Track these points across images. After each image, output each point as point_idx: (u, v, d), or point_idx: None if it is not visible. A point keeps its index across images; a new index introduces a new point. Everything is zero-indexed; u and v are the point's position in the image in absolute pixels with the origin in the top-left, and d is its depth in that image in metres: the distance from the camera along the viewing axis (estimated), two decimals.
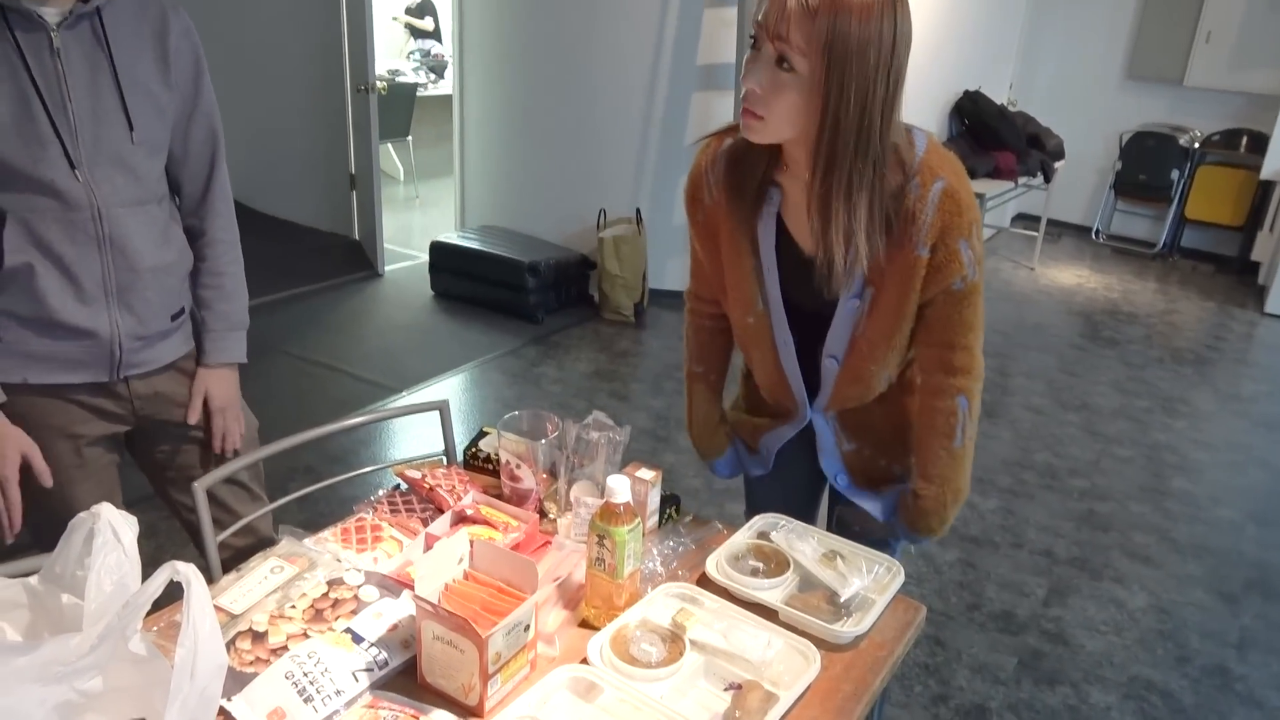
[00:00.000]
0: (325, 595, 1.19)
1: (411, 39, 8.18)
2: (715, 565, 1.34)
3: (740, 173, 1.33)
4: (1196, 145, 6.49)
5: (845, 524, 1.62)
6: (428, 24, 8.06)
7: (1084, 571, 2.79)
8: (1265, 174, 5.87)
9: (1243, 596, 2.73)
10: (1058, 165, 5.85)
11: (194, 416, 1.59)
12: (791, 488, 1.69)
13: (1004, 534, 2.96)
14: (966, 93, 5.71)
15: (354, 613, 1.17)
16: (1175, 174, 6.50)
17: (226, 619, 1.17)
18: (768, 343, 1.45)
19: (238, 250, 1.62)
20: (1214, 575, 2.83)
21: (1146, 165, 6.61)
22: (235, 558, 1.48)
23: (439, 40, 8.10)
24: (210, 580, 1.31)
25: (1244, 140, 6.39)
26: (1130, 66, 6.79)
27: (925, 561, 2.76)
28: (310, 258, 5.30)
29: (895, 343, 1.36)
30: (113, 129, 1.34)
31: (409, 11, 8.11)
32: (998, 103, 5.81)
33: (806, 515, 1.70)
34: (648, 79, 4.61)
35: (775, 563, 1.35)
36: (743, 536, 1.43)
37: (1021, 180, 5.53)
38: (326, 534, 1.37)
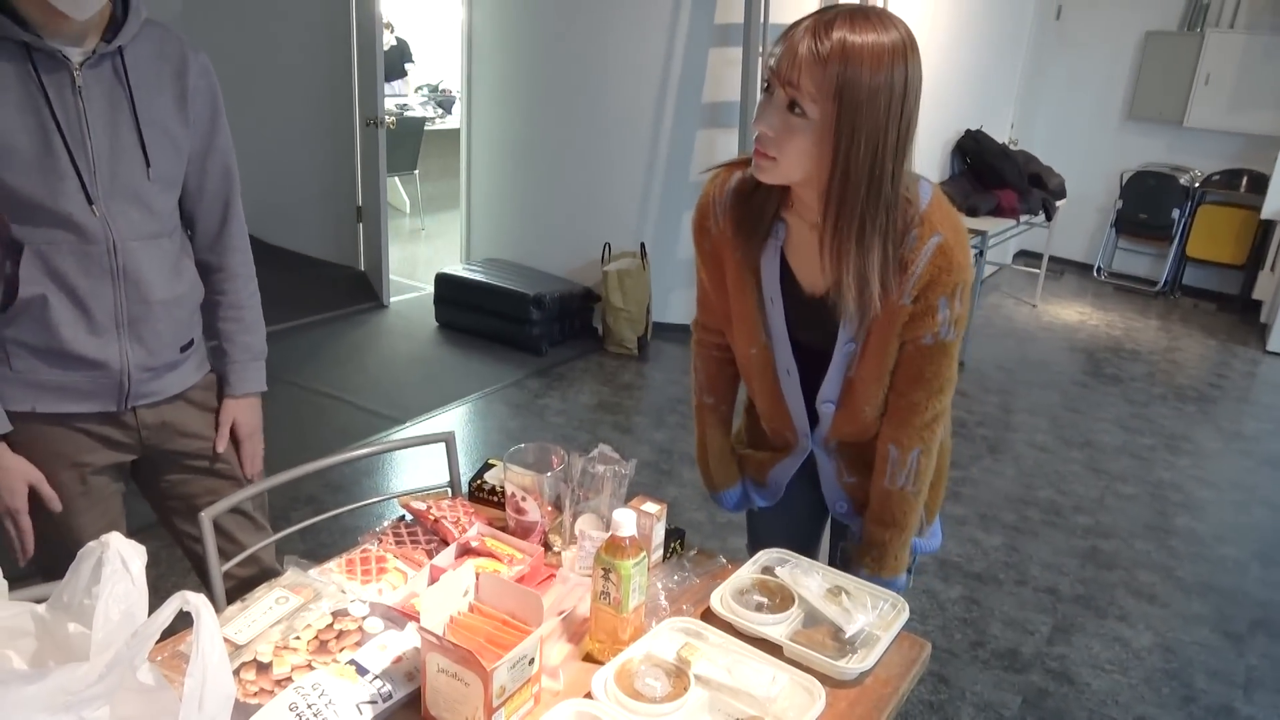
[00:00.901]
0: (330, 626, 1.19)
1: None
2: (720, 600, 1.34)
3: (748, 206, 1.35)
4: (1197, 185, 6.54)
5: (848, 558, 1.62)
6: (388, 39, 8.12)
7: (1089, 609, 2.77)
8: (1266, 213, 5.91)
9: (1248, 636, 2.71)
10: (1059, 204, 5.89)
11: (222, 445, 1.63)
12: (794, 521, 1.70)
13: (1008, 570, 2.95)
14: (968, 131, 5.78)
15: (359, 644, 1.17)
16: (1176, 213, 6.54)
17: (231, 649, 1.16)
18: (770, 375, 1.47)
19: (255, 283, 1.66)
20: (1219, 614, 2.81)
21: (1147, 204, 6.66)
22: (239, 588, 1.48)
23: (408, 58, 8.18)
24: (215, 610, 1.32)
25: (1244, 180, 6.44)
26: (1131, 107, 6.86)
27: (929, 598, 2.75)
28: (316, 289, 5.34)
29: (884, 384, 1.38)
30: (130, 165, 1.37)
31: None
32: (999, 141, 5.86)
33: (808, 548, 1.70)
34: (653, 115, 4.67)
35: (780, 598, 1.35)
36: (747, 571, 1.43)
37: (1023, 218, 5.57)
38: (331, 565, 1.37)
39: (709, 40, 4.53)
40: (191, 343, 1.56)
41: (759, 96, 1.23)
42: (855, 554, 1.53)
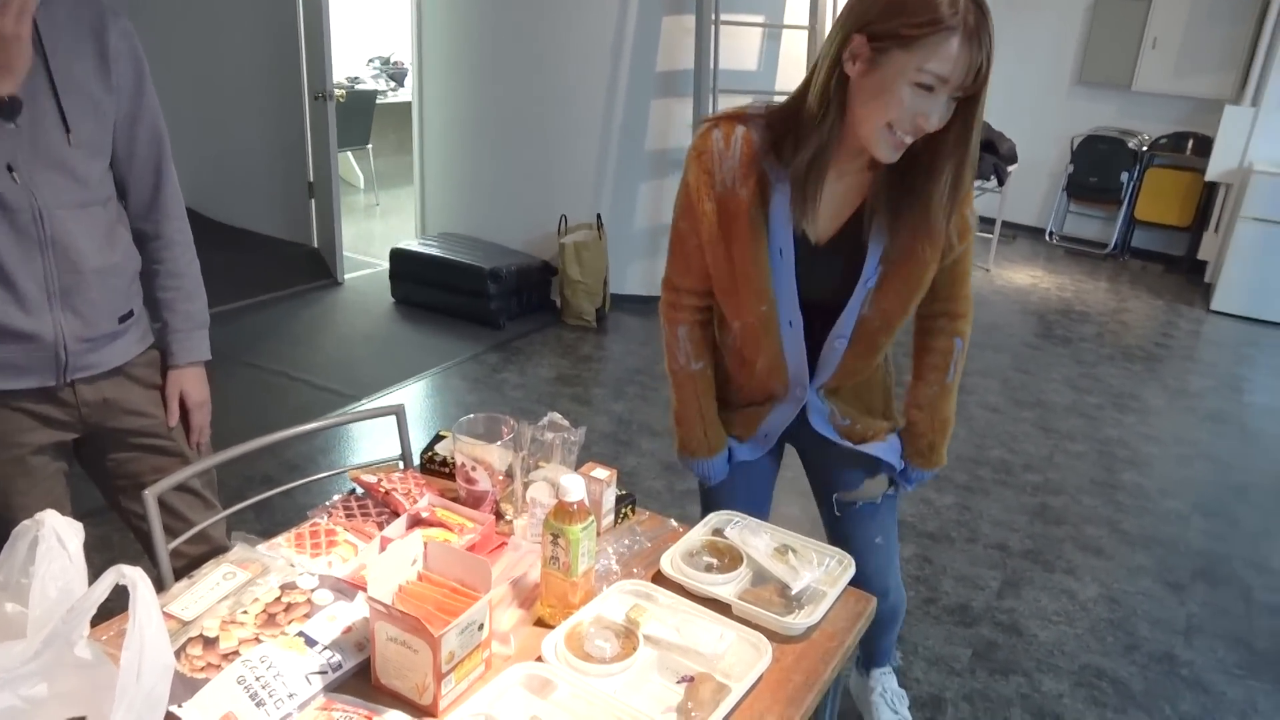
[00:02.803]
0: (278, 600, 1.19)
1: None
2: (670, 562, 1.36)
3: (780, 159, 1.34)
4: (1145, 148, 6.65)
5: (845, 505, 1.70)
6: None
7: (1037, 564, 2.85)
8: (1210, 176, 6.03)
9: (1189, 585, 2.80)
10: (1011, 169, 5.96)
11: (174, 419, 1.62)
12: (750, 484, 1.74)
13: (960, 529, 3.02)
14: None
15: (307, 616, 1.17)
16: (1125, 176, 6.65)
17: (178, 626, 1.16)
18: (774, 330, 1.47)
19: (193, 251, 1.64)
20: (1162, 565, 2.90)
21: (1097, 168, 6.76)
22: (189, 566, 1.47)
23: None
24: (161, 588, 1.31)
25: (1190, 143, 6.56)
26: (1080, 72, 6.94)
27: None
28: (268, 267, 5.25)
29: (910, 311, 1.47)
30: (49, 131, 1.33)
31: None
32: None
33: (763, 510, 1.76)
34: (607, 85, 4.64)
35: (729, 558, 1.38)
36: (697, 533, 1.45)
37: (976, 184, 5.62)
38: (280, 540, 1.36)
39: (662, 8, 4.50)
40: (131, 313, 1.53)
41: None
42: (909, 454, 1.61)
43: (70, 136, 1.35)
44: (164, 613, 1.18)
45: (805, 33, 4.47)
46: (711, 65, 4.19)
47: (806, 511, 2.49)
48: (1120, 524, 3.12)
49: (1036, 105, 7.07)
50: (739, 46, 4.55)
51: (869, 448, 1.60)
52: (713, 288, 1.51)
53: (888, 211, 1.35)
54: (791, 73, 4.62)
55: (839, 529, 1.74)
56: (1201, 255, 6.35)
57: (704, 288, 1.53)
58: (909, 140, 1.25)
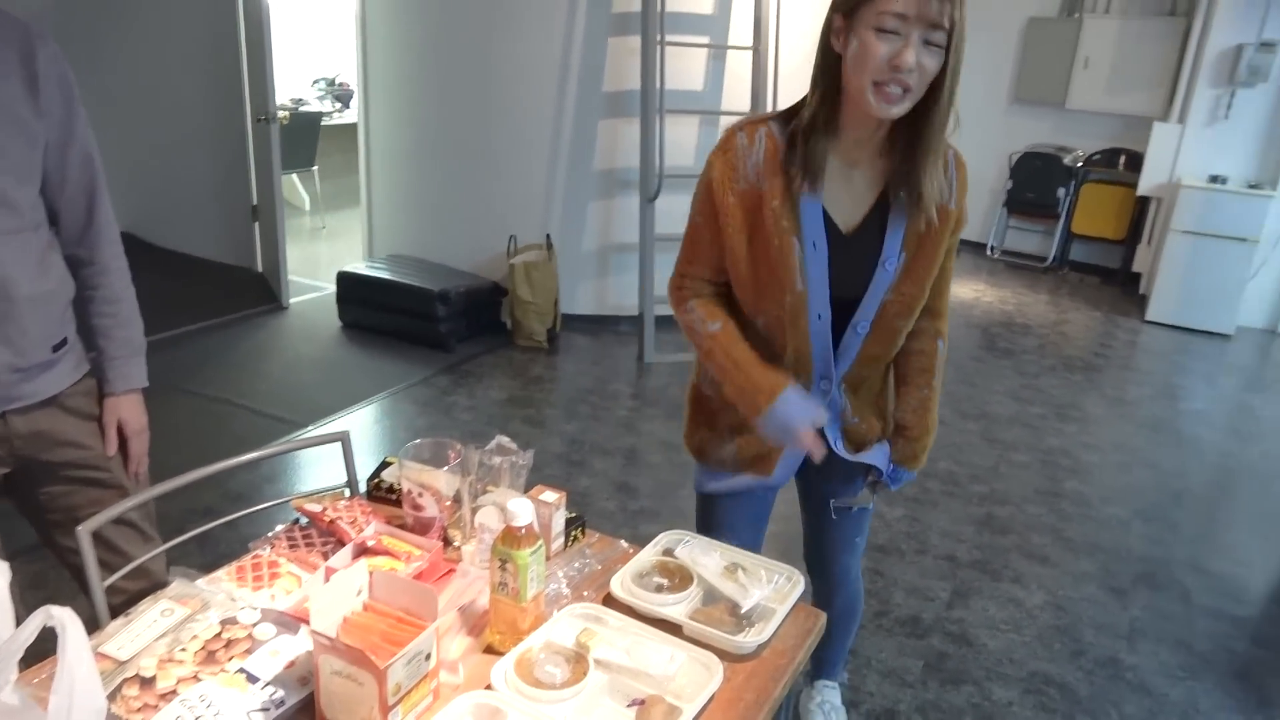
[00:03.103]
0: (218, 636, 1.17)
1: None
2: (620, 584, 1.36)
3: (799, 154, 1.40)
4: (1079, 164, 6.86)
5: (842, 510, 1.76)
6: None
7: (985, 573, 2.90)
8: (1142, 190, 6.23)
9: (1131, 590, 2.87)
10: None
11: (111, 448, 1.58)
12: (757, 500, 1.75)
13: (909, 541, 3.05)
14: None
15: (248, 652, 1.15)
16: (1061, 191, 6.84)
17: (113, 666, 1.13)
18: (802, 323, 1.48)
19: (128, 276, 1.61)
20: (1105, 571, 2.97)
21: (1035, 184, 6.95)
22: (127, 603, 1.42)
23: None
24: (97, 626, 1.27)
25: (1122, 159, 6.77)
26: (1016, 91, 7.14)
27: None
28: (210, 292, 5.16)
29: (926, 294, 1.51)
30: None
31: None
32: None
33: (760, 528, 1.80)
34: (555, 106, 4.65)
35: (679, 578, 1.38)
36: (647, 554, 1.45)
37: None
38: (221, 573, 1.33)
39: (608, 29, 4.54)
40: (65, 341, 1.49)
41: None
42: (898, 454, 1.62)
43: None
44: (99, 652, 1.15)
45: (750, 53, 4.54)
46: (658, 86, 4.23)
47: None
48: (1064, 532, 3.19)
49: (975, 123, 7.23)
50: (685, 67, 4.60)
51: (868, 457, 1.64)
52: (725, 279, 1.54)
53: (905, 185, 1.41)
54: (737, 93, 4.68)
55: (827, 530, 1.80)
56: (1136, 267, 6.55)
57: (710, 275, 1.55)
58: (896, 91, 1.30)
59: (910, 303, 1.51)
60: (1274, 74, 5.63)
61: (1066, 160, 6.83)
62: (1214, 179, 5.78)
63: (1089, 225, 6.84)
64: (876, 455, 1.64)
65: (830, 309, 1.48)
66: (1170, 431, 4.17)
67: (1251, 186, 5.66)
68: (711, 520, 1.75)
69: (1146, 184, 6.20)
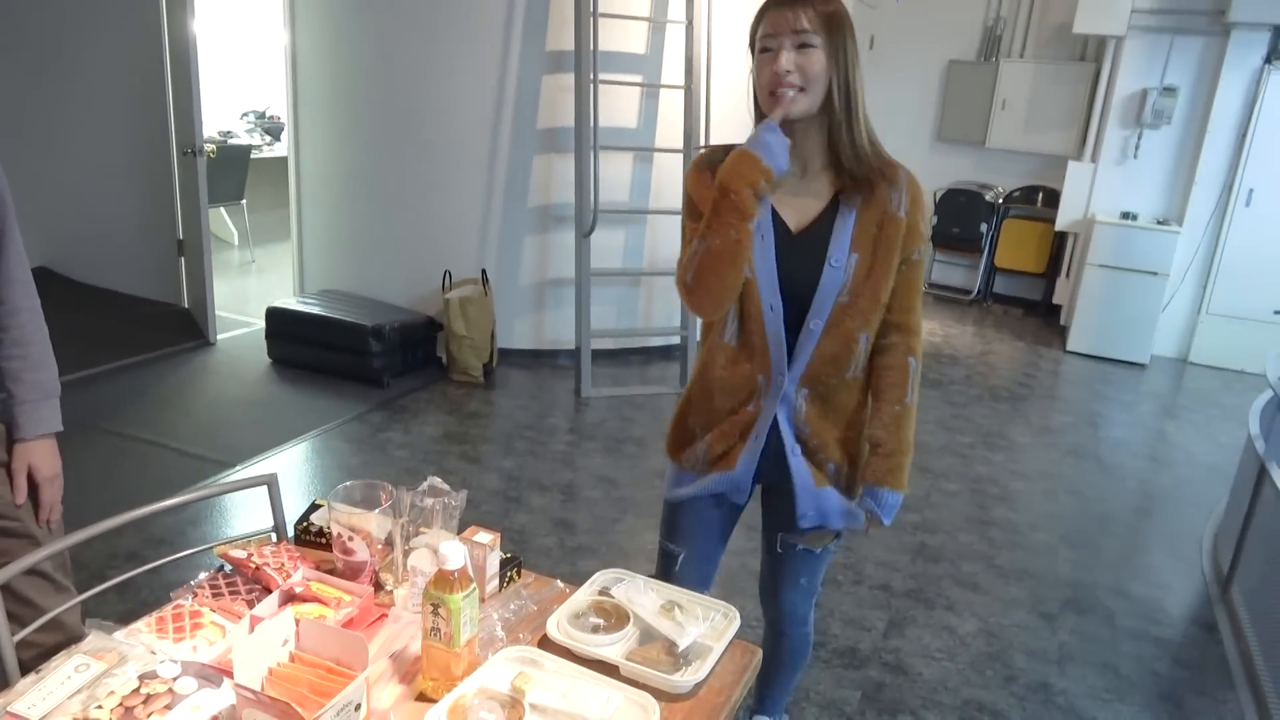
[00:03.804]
0: (136, 691, 1.12)
1: None
2: (556, 625, 1.34)
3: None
4: (1000, 200, 7.11)
5: (788, 545, 1.76)
6: None
7: (919, 602, 2.94)
8: (1059, 225, 6.49)
9: (1060, 615, 2.94)
10: None
11: (21, 496, 1.52)
12: (720, 519, 1.79)
13: (846, 572, 3.09)
14: None
15: (169, 708, 1.10)
16: (984, 226, 7.08)
17: None
18: (756, 310, 1.57)
19: (41, 317, 1.55)
20: (1034, 597, 3.04)
21: (959, 219, 7.18)
22: (40, 658, 1.36)
23: None
24: (6, 684, 1.21)
25: (1040, 195, 7.05)
26: (940, 130, 7.39)
27: None
28: (134, 328, 4.99)
29: (880, 302, 1.57)
30: None
31: None
32: None
33: (717, 547, 1.83)
34: (489, 141, 4.66)
35: (616, 618, 1.37)
36: (583, 594, 1.44)
37: None
38: (140, 625, 1.28)
39: (542, 67, 4.57)
40: None
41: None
42: (874, 474, 1.62)
43: None
44: (9, 712, 1.09)
45: (682, 92, 4.62)
46: (592, 123, 4.27)
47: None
48: (994, 559, 3.26)
49: (904, 160, 7.44)
50: (618, 105, 4.66)
51: (827, 516, 1.67)
52: None
53: (852, 183, 1.53)
54: (670, 130, 4.75)
55: (775, 562, 1.82)
56: (1056, 299, 6.79)
57: None
58: (787, 93, 1.46)
59: (865, 308, 1.56)
60: (1176, 117, 5.94)
61: (988, 197, 7.08)
62: (1125, 215, 6.05)
63: (1011, 259, 7.08)
64: (836, 515, 1.67)
65: (783, 303, 1.56)
66: (1092, 458, 4.31)
67: (1160, 222, 5.94)
68: (675, 527, 1.81)
69: (1063, 220, 6.45)
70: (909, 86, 7.42)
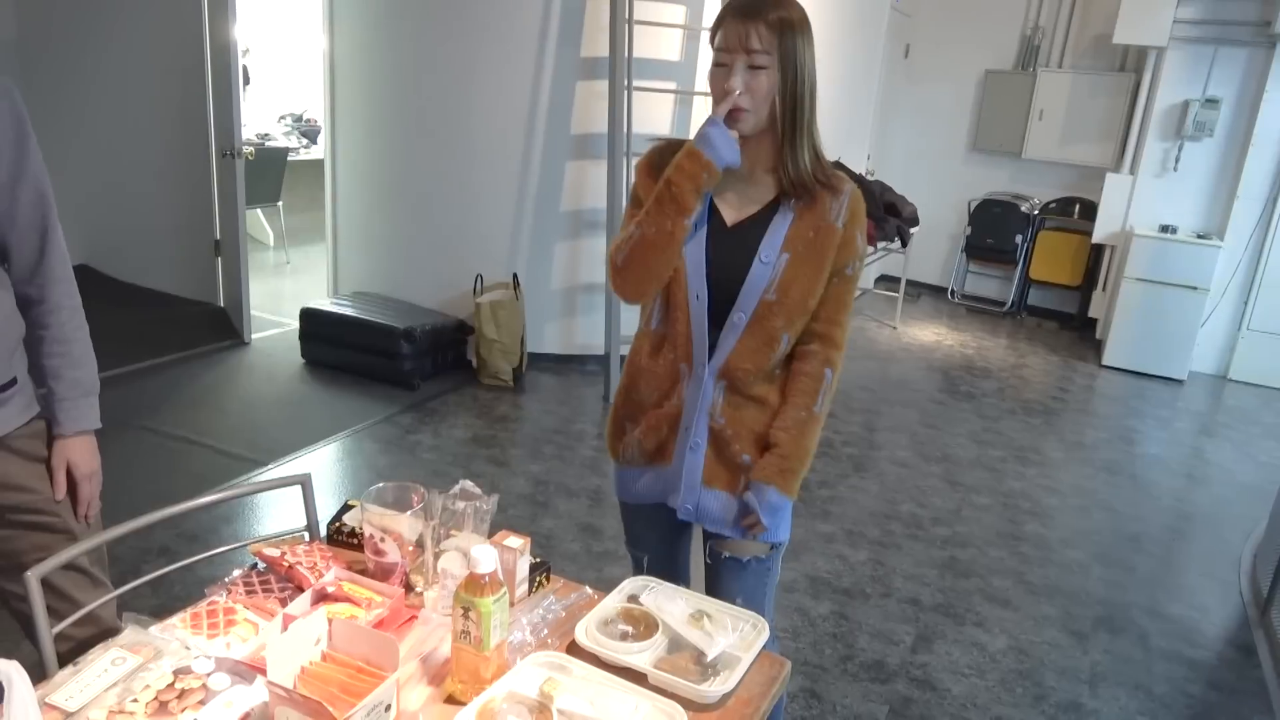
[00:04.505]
0: (170, 686, 1.13)
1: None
2: (584, 631, 1.34)
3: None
4: (1036, 212, 7.03)
5: (717, 554, 1.72)
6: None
7: (948, 617, 2.91)
8: (1096, 238, 6.40)
9: (1092, 634, 2.90)
10: (913, 231, 6.22)
11: (60, 492, 1.53)
12: (670, 524, 1.76)
13: (874, 584, 3.06)
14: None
15: (202, 703, 1.12)
16: (1019, 238, 7.01)
17: (61, 717, 1.09)
18: (683, 296, 1.58)
19: (82, 315, 1.57)
20: (1066, 614, 2.99)
21: (993, 230, 7.11)
22: (76, 650, 1.38)
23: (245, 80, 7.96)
24: (44, 676, 1.23)
25: (1076, 207, 6.97)
26: (975, 140, 7.33)
27: (800, 615, 2.82)
28: (171, 327, 5.07)
29: (806, 306, 1.57)
30: None
31: None
32: (856, 172, 6.15)
33: (679, 560, 1.81)
34: (523, 147, 4.68)
35: (644, 626, 1.37)
36: (612, 601, 1.44)
37: (880, 245, 5.85)
38: (174, 620, 1.30)
39: (576, 74, 4.59)
40: (14, 382, 1.45)
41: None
42: (762, 471, 1.60)
43: None
44: (46, 703, 1.11)
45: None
46: (625, 129, 4.28)
47: None
48: (1025, 575, 3.22)
49: (935, 171, 7.43)
50: (651, 112, 4.67)
51: (703, 515, 1.67)
52: None
53: (791, 187, 1.54)
54: None
55: (707, 575, 1.77)
56: (1092, 313, 6.70)
57: None
58: (742, 105, 1.46)
59: (791, 308, 1.55)
60: (1219, 129, 5.84)
61: (1023, 208, 7.00)
62: (1164, 228, 5.96)
63: (1046, 271, 7.00)
64: (709, 506, 1.64)
65: (709, 292, 1.56)
66: (1127, 475, 4.24)
67: (1200, 236, 5.84)
68: (630, 531, 1.84)
69: (1100, 232, 6.37)
70: (944, 96, 7.37)
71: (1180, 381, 5.80)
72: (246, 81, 8.02)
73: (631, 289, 1.60)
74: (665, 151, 1.57)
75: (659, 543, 1.81)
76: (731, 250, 1.56)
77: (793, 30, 1.46)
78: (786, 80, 1.47)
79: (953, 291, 7.50)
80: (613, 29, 4.27)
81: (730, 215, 1.58)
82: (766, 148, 1.53)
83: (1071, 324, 6.97)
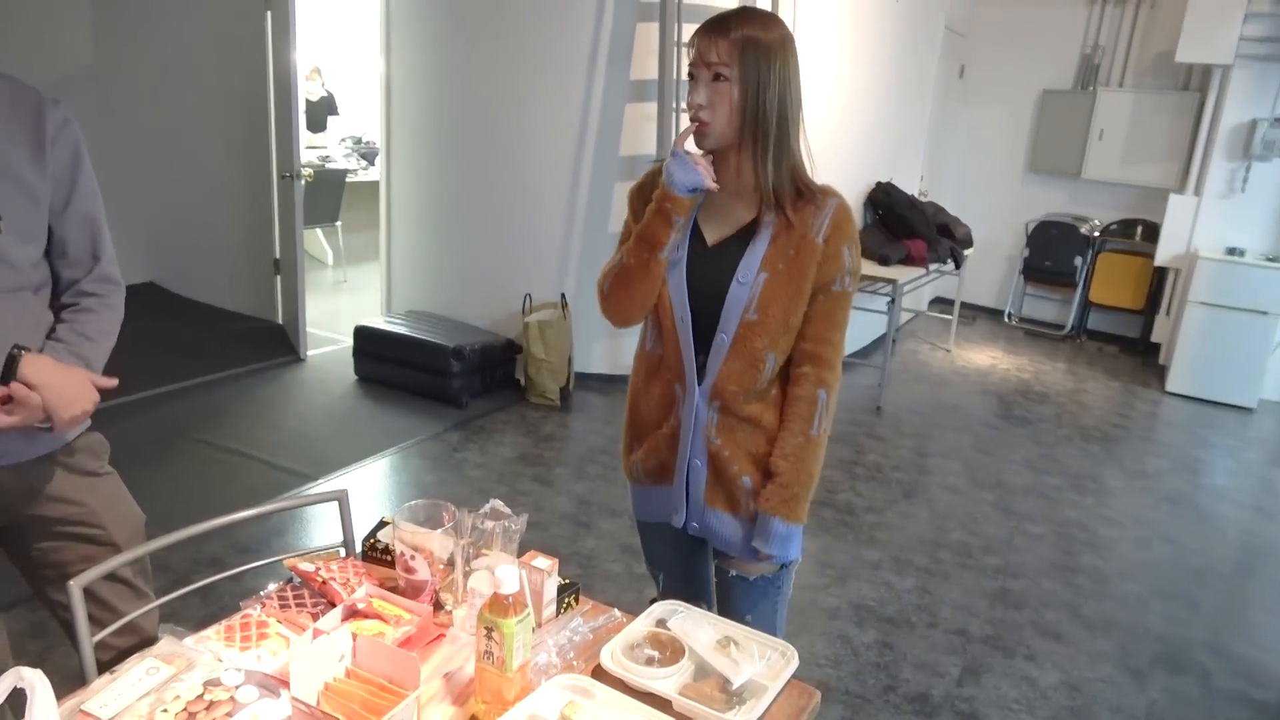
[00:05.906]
0: (200, 697, 1.15)
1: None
2: (610, 655, 1.33)
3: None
4: (1096, 234, 6.87)
5: (723, 572, 1.71)
6: (314, 89, 8.00)
7: (997, 650, 2.82)
8: (1159, 261, 6.22)
9: (1149, 672, 2.79)
10: (967, 252, 6.11)
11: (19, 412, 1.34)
12: (684, 544, 1.77)
13: (920, 613, 2.99)
14: (879, 184, 5.98)
15: (229, 715, 1.13)
16: (1078, 260, 6.84)
17: None
18: (669, 318, 1.59)
19: (119, 315, 1.54)
20: (1122, 651, 2.89)
21: (1051, 252, 6.96)
22: (117, 658, 1.42)
23: (333, 111, 8.18)
24: (83, 682, 1.26)
25: (1139, 229, 6.78)
26: (1032, 160, 7.20)
27: (843, 643, 2.77)
28: (230, 342, 5.21)
29: (789, 325, 1.54)
30: None
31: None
32: (908, 193, 6.08)
33: (697, 555, 1.80)
34: (572, 168, 4.73)
35: (671, 651, 1.35)
36: (640, 625, 1.42)
37: (933, 267, 5.76)
38: (209, 632, 1.32)
39: (625, 96, 4.63)
40: None
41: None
42: (766, 502, 1.58)
43: (1, 223, 1.35)
44: (82, 710, 1.14)
45: None
46: None
47: None
48: (1080, 608, 3.12)
49: (991, 192, 7.31)
50: None
51: (711, 534, 1.66)
52: None
53: (771, 206, 1.53)
54: None
55: (721, 595, 1.76)
56: (1155, 337, 6.50)
57: None
58: (702, 118, 1.48)
59: (772, 328, 1.53)
60: None
61: (1083, 230, 6.84)
62: (1231, 251, 5.77)
63: (1106, 294, 6.82)
64: (714, 525, 1.64)
65: (691, 314, 1.57)
66: (1190, 506, 4.09)
67: (1270, 259, 5.64)
68: (646, 549, 1.86)
69: (1164, 255, 6.19)
70: (1000, 116, 7.26)
71: (1249, 409, 5.59)
72: (334, 112, 8.25)
73: (616, 315, 1.65)
74: (658, 174, 1.58)
75: (675, 560, 1.81)
76: (711, 271, 1.56)
77: (756, 46, 1.46)
78: (747, 94, 1.47)
79: (1009, 314, 7.34)
80: (661, 51, 4.30)
81: (711, 235, 1.58)
82: (746, 166, 1.53)
83: (1133, 348, 6.77)
